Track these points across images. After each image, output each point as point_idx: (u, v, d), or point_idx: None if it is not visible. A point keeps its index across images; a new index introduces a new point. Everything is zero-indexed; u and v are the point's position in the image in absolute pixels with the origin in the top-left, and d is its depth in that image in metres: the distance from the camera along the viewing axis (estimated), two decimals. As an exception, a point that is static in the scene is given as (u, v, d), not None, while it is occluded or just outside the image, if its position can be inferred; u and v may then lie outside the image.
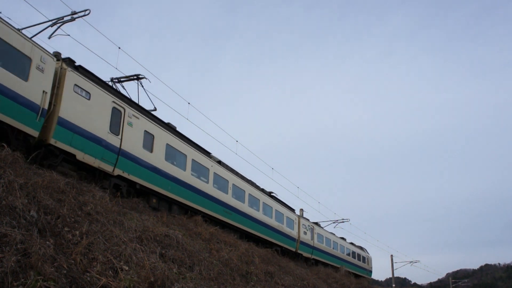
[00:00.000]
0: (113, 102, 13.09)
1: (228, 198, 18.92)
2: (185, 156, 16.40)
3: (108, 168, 12.56)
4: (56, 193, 8.96)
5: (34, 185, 8.32)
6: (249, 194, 21.08)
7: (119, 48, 15.02)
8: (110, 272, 7.77)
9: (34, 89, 10.46)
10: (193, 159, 16.74)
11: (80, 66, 12.45)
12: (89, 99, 12.22)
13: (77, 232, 8.15)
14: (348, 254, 37.74)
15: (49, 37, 14.24)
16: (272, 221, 23.41)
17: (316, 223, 32.55)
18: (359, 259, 40.64)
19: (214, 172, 18.11)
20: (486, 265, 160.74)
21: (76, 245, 7.75)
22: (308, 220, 29.98)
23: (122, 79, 16.29)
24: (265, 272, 14.55)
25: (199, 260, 11.12)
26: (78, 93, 11.87)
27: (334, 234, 35.40)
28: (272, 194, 24.91)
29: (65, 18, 14.42)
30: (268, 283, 13.90)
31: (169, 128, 16.18)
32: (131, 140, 13.58)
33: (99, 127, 12.42)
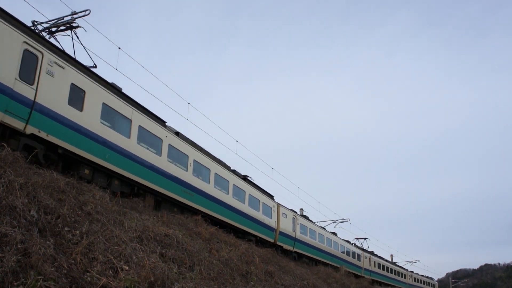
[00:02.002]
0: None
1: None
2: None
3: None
4: (56, 192, 8.97)
5: (34, 185, 8.33)
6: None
7: (119, 48, 15.02)
8: (110, 272, 7.78)
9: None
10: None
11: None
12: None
13: (77, 232, 8.15)
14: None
15: (49, 37, 14.24)
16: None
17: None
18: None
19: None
20: (486, 265, 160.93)
21: (76, 245, 7.76)
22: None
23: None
24: (265, 272, 14.55)
25: (199, 260, 11.12)
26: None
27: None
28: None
29: (65, 18, 14.43)
30: (268, 283, 13.91)
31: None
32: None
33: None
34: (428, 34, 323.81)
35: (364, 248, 44.48)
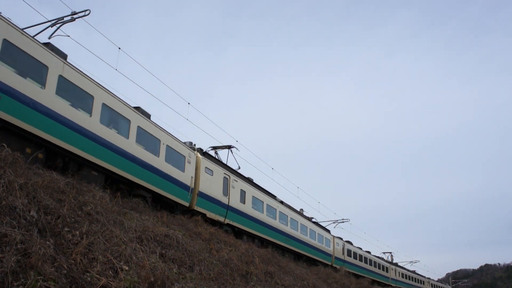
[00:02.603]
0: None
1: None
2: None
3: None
4: (56, 193, 8.96)
5: (34, 185, 8.32)
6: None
7: (119, 48, 15.01)
8: (110, 272, 7.78)
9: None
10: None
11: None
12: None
13: (77, 232, 8.15)
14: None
15: (49, 37, 14.24)
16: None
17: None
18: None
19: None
20: (486, 265, 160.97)
21: (76, 245, 7.76)
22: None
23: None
24: (265, 272, 14.55)
25: (199, 260, 11.12)
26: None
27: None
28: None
29: (65, 18, 14.43)
30: (268, 283, 13.90)
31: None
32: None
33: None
34: (428, 34, 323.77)
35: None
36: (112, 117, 13.51)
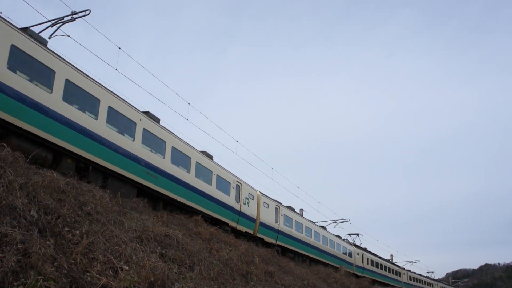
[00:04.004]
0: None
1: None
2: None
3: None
4: (56, 193, 8.96)
5: (34, 185, 8.32)
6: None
7: (119, 48, 15.01)
8: (110, 272, 7.78)
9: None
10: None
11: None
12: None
13: (77, 232, 8.15)
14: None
15: (49, 37, 14.24)
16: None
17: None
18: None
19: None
20: (486, 265, 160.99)
21: (76, 245, 7.76)
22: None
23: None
24: (265, 272, 14.56)
25: (199, 260, 11.13)
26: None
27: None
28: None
29: (65, 18, 14.43)
30: (268, 283, 13.91)
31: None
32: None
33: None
34: (429, 34, 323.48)
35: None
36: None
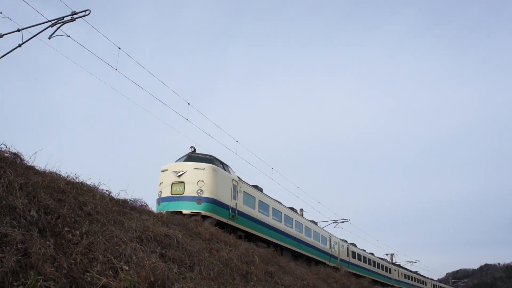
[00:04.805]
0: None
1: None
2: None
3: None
4: (56, 193, 8.97)
5: (34, 185, 8.32)
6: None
7: (119, 48, 15.01)
8: (110, 272, 7.78)
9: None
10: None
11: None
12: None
13: (77, 232, 8.15)
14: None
15: (49, 37, 14.25)
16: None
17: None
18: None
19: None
20: (486, 265, 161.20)
21: (76, 245, 7.76)
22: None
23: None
24: (265, 272, 14.55)
25: (199, 260, 11.12)
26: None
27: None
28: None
29: (65, 18, 14.43)
30: (268, 283, 13.90)
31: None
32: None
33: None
34: (430, 35, 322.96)
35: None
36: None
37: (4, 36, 14.27)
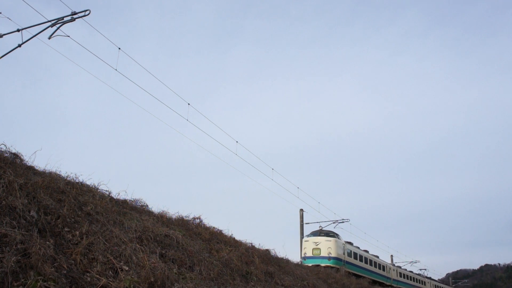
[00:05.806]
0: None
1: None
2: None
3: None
4: (56, 193, 8.96)
5: (34, 185, 8.32)
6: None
7: (119, 48, 15.01)
8: (110, 272, 7.78)
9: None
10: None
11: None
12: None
13: (77, 232, 8.15)
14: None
15: (49, 38, 14.25)
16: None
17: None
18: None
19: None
20: (486, 265, 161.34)
21: (76, 245, 7.76)
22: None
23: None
24: (265, 272, 14.54)
25: (199, 260, 11.12)
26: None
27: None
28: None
29: (65, 19, 14.44)
30: (268, 283, 13.90)
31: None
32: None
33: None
34: (435, 35, 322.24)
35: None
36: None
37: (4, 36, 14.27)
